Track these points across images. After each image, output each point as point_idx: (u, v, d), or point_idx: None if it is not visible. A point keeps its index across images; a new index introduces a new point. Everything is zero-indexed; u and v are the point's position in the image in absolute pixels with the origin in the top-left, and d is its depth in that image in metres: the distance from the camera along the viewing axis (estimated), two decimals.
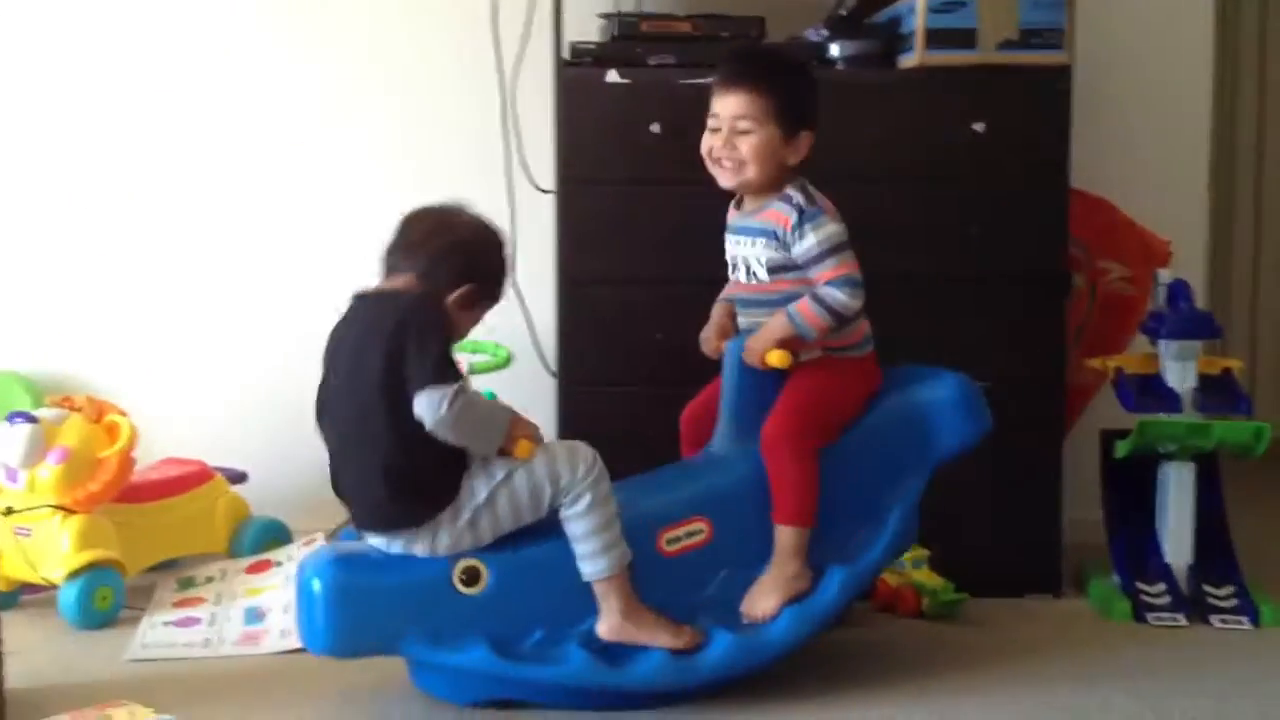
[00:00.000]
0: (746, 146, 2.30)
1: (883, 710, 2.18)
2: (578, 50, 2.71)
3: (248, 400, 3.24)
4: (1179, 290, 2.79)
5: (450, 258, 2.18)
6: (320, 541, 2.81)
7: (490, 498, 2.12)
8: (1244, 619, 2.62)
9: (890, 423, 2.37)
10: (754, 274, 2.36)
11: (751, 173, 2.31)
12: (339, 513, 2.29)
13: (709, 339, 2.46)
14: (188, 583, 2.80)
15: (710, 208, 2.47)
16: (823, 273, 2.28)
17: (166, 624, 2.60)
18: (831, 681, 2.27)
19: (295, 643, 2.48)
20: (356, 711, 2.18)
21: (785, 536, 2.24)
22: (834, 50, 2.76)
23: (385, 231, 3.14)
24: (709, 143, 2.35)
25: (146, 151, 3.23)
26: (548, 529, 2.17)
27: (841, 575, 2.25)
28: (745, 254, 2.37)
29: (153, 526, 2.79)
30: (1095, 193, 3.02)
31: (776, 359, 2.28)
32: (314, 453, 3.12)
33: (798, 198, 2.31)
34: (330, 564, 2.13)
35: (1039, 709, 2.19)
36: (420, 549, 2.13)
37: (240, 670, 2.40)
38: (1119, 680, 2.31)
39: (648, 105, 2.67)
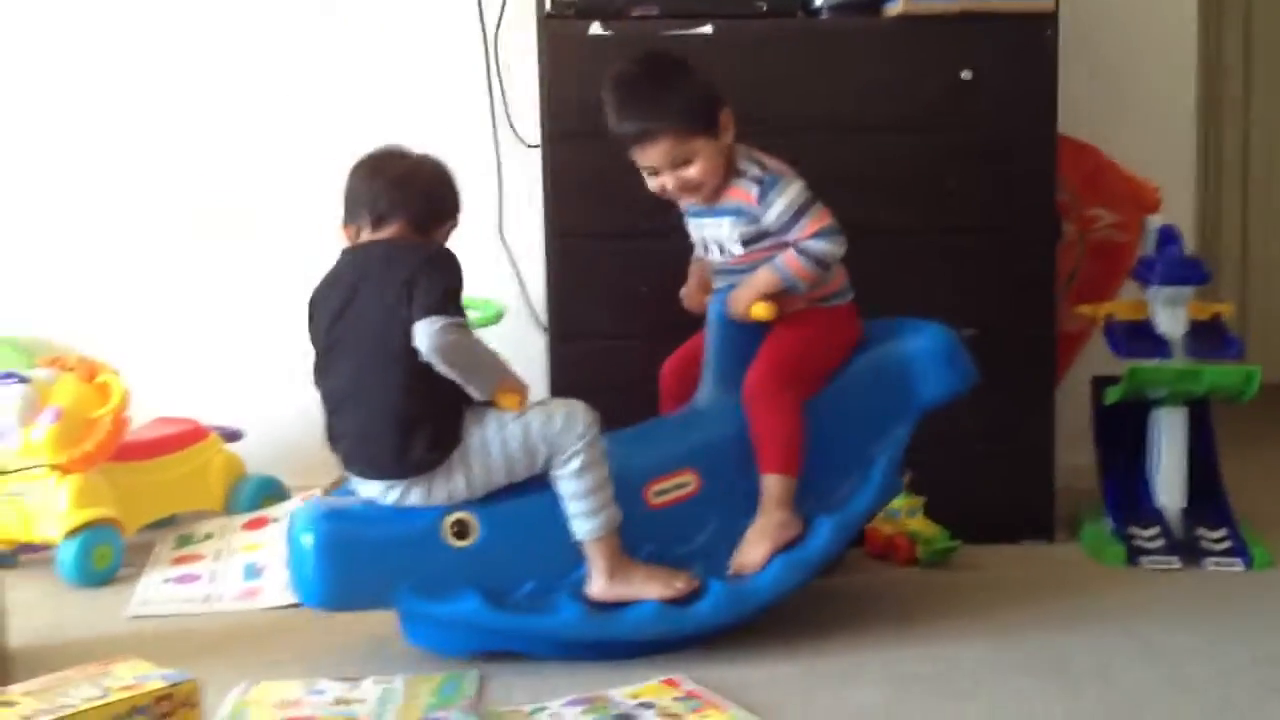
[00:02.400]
0: (694, 172, 2.29)
1: (878, 654, 2.20)
2: (560, 3, 2.70)
3: (240, 358, 3.24)
4: (1168, 236, 2.79)
5: (432, 201, 2.24)
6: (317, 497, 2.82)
7: (485, 448, 2.13)
8: (1237, 561, 2.64)
9: (873, 373, 2.38)
10: (728, 251, 2.36)
11: (712, 184, 2.32)
12: (335, 468, 2.29)
13: (691, 293, 2.47)
14: (186, 540, 2.81)
15: None
16: (802, 231, 2.28)
17: (166, 581, 2.62)
18: (825, 627, 2.29)
19: (293, 597, 2.50)
20: (355, 664, 2.19)
21: (771, 485, 2.26)
22: None
23: None
24: (658, 185, 2.33)
25: (130, 113, 3.22)
26: (538, 482, 2.18)
27: (829, 524, 2.26)
28: (714, 235, 2.38)
29: (148, 485, 2.80)
30: (1083, 139, 3.03)
31: (761, 310, 2.29)
32: (308, 410, 3.12)
33: (753, 170, 2.31)
34: (321, 517, 2.14)
35: (1033, 651, 2.20)
36: (415, 498, 2.14)
37: (240, 625, 2.41)
38: (1112, 622, 2.33)
39: (632, 57, 2.65)
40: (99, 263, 3.24)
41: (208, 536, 2.82)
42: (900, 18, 2.68)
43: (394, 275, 2.13)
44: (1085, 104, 3.00)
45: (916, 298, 2.52)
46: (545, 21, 2.71)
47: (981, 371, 2.47)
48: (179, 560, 2.72)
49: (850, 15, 2.74)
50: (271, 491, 2.96)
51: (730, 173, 2.32)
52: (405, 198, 2.21)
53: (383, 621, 2.36)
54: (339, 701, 2.01)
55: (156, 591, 2.57)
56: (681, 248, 2.57)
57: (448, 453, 2.12)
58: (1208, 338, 2.78)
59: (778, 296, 2.30)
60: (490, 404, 2.17)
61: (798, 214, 2.28)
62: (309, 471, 2.85)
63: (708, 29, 2.66)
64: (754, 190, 2.29)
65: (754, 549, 2.24)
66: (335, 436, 2.20)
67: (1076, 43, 2.92)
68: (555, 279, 2.73)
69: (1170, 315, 2.76)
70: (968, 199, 2.73)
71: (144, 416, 2.95)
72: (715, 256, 2.40)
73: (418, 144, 2.88)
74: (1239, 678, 2.08)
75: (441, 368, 2.10)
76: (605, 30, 2.66)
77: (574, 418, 2.16)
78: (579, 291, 2.71)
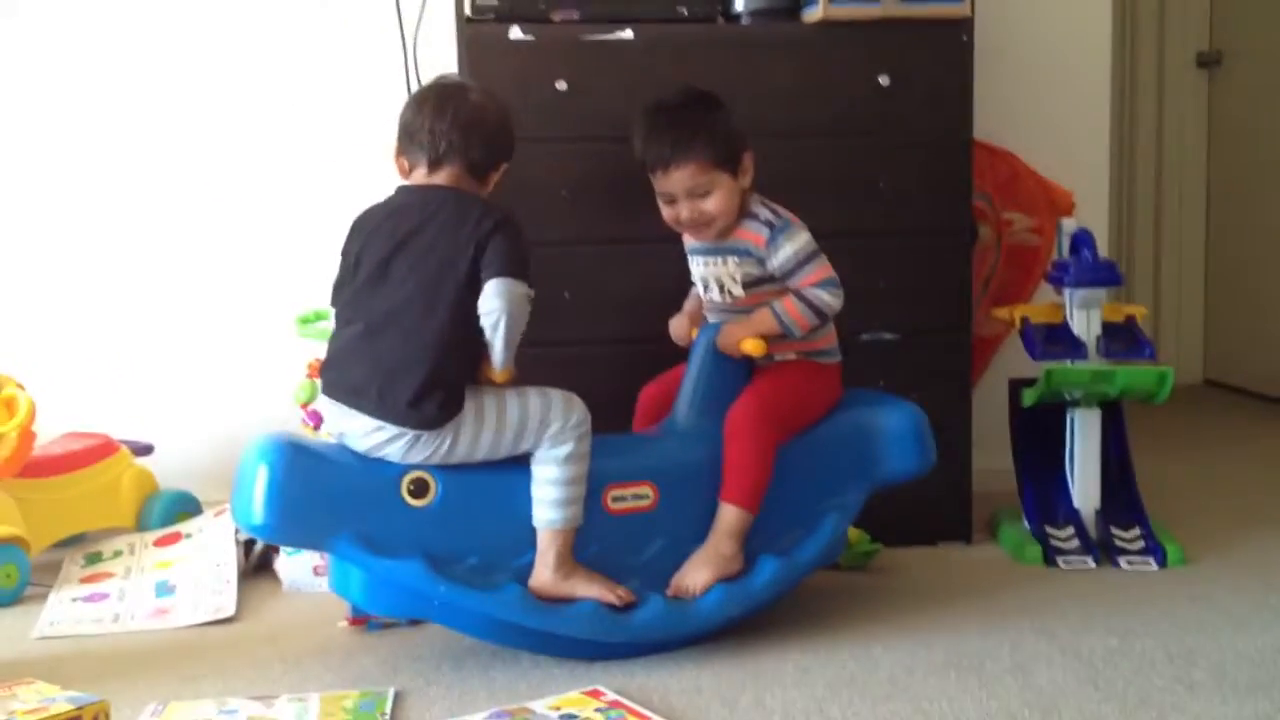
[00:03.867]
0: (711, 205, 2.33)
1: (799, 658, 2.20)
2: (479, 7, 2.67)
3: (152, 370, 3.18)
4: (1082, 240, 2.82)
5: (492, 148, 2.26)
6: (228, 514, 2.77)
7: (479, 420, 2.12)
8: (1150, 560, 2.68)
9: (842, 437, 2.42)
10: (729, 291, 2.39)
11: (724, 222, 2.36)
12: None
13: (681, 324, 2.50)
14: (95, 558, 2.75)
15: (617, 165, 2.46)
16: (805, 279, 2.33)
17: (75, 600, 2.55)
18: (746, 633, 2.29)
19: (205, 615, 2.46)
20: (269, 683, 2.15)
21: (728, 516, 2.26)
22: (739, 4, 2.75)
23: (288, 197, 3.14)
24: (672, 214, 2.37)
25: (28, 126, 3.15)
26: (505, 459, 2.16)
27: (774, 565, 2.28)
28: (717, 273, 2.40)
29: (57, 502, 2.74)
30: (998, 144, 3.06)
31: (752, 346, 2.32)
32: (221, 423, 3.11)
33: (765, 214, 2.36)
34: (280, 444, 2.09)
35: (951, 652, 2.22)
36: (395, 450, 2.11)
37: (152, 644, 2.35)
38: (1029, 622, 2.35)
39: (553, 62, 2.64)
40: (2, 274, 3.16)
41: (117, 554, 2.76)
42: (819, 23, 2.69)
43: (465, 227, 2.14)
44: (1001, 110, 3.03)
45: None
46: (465, 26, 2.68)
47: (898, 375, 2.50)
48: (88, 579, 2.65)
49: (770, 21, 2.75)
50: (184, 507, 2.90)
51: (743, 214, 2.36)
52: (468, 144, 2.22)
53: (295, 641, 2.33)
54: None
55: (65, 611, 2.50)
56: (600, 253, 2.56)
57: (452, 416, 2.11)
58: (1122, 340, 2.82)
59: (770, 338, 2.33)
60: (479, 377, 2.17)
61: (803, 262, 2.33)
62: (223, 486, 2.78)
63: (629, 34, 2.65)
64: (764, 233, 2.34)
65: (697, 573, 2.24)
66: (346, 362, 2.15)
67: (993, 50, 2.95)
68: None
69: (1084, 318, 2.79)
70: (885, 203, 2.74)
71: (52, 431, 2.89)
72: (715, 296, 2.43)
73: (337, 150, 2.87)
74: (1154, 676, 2.10)
75: (498, 326, 2.11)
76: (526, 35, 2.64)
77: (572, 407, 2.17)
78: None
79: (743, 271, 2.37)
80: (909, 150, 2.75)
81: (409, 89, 3.07)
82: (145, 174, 3.17)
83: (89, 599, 2.55)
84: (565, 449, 2.15)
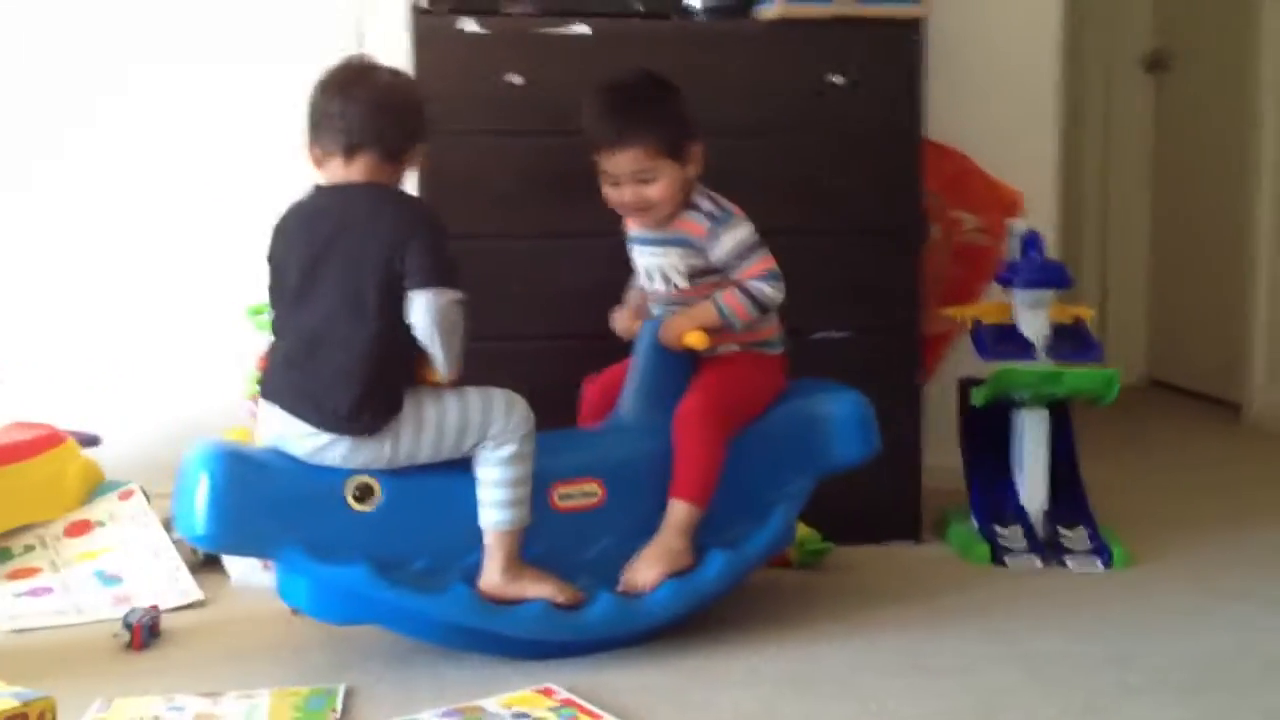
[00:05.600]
0: (654, 191, 2.32)
1: (749, 657, 2.21)
2: None
3: (98, 360, 3.13)
4: (1031, 241, 2.85)
5: (405, 127, 2.20)
6: (136, 496, 2.75)
7: (419, 422, 2.11)
8: (1096, 561, 2.71)
9: (787, 427, 2.43)
10: (673, 283, 2.39)
11: (665, 210, 2.35)
12: None
13: (623, 319, 2.49)
14: (5, 554, 2.65)
15: (571, 160, 2.45)
16: (746, 270, 2.33)
17: (18, 595, 2.51)
18: (697, 631, 2.29)
19: (174, 601, 2.45)
20: (217, 679, 2.13)
21: (678, 512, 2.27)
22: (694, 1, 2.75)
23: (232, 190, 3.10)
24: (614, 197, 2.36)
25: None
26: (449, 461, 2.15)
27: (723, 559, 2.28)
28: (659, 264, 2.40)
29: (1, 492, 2.69)
30: (948, 144, 3.07)
31: (695, 339, 2.32)
32: (169, 414, 3.08)
33: (707, 205, 2.36)
34: (221, 455, 2.07)
35: (898, 651, 2.23)
36: (335, 456, 2.09)
37: (96, 640, 2.32)
38: (976, 621, 2.38)
39: (506, 55, 2.64)
40: None
41: (29, 549, 2.67)
42: (772, 21, 2.69)
43: (381, 232, 2.10)
44: (950, 110, 3.05)
45: (784, 299, 2.53)
46: (418, 17, 2.67)
47: (849, 373, 2.51)
48: (14, 575, 2.58)
49: (723, 18, 2.76)
50: None
51: (686, 205, 2.35)
52: (380, 127, 2.17)
53: (247, 634, 2.31)
54: (200, 717, 1.95)
55: (21, 605, 2.45)
56: (554, 248, 2.56)
57: (390, 421, 2.09)
58: (1070, 341, 2.85)
59: (712, 330, 2.33)
60: (421, 379, 2.15)
61: (744, 254, 2.34)
62: (170, 478, 2.77)
63: (583, 28, 2.65)
64: (705, 224, 2.34)
65: (647, 570, 2.24)
66: (283, 374, 2.13)
67: (943, 50, 2.97)
68: None
69: (1033, 318, 2.82)
70: (836, 201, 2.76)
71: None
72: (659, 287, 2.42)
73: (287, 141, 2.83)
74: (1098, 677, 2.13)
75: (433, 338, 2.09)
76: (480, 28, 2.63)
77: (513, 406, 2.16)
78: None
79: (686, 263, 2.37)
80: (860, 148, 2.77)
81: None
82: (92, 163, 3.12)
83: (32, 594, 2.52)
84: (508, 450, 2.14)
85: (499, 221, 2.65)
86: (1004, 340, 2.83)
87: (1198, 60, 4.50)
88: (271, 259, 2.20)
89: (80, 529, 2.73)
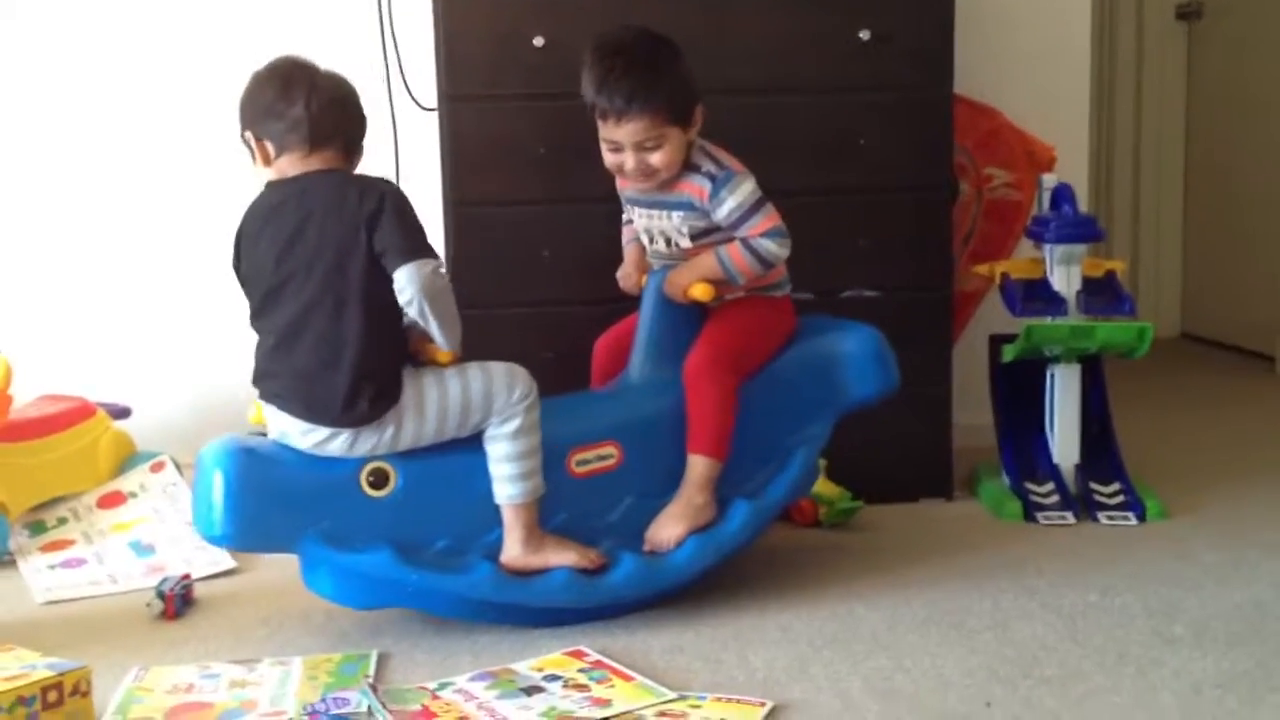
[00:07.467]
0: (657, 159, 2.27)
1: (781, 616, 2.20)
2: None
3: (129, 332, 3.15)
4: (1062, 195, 2.82)
5: (360, 120, 2.21)
6: (168, 467, 2.76)
7: (420, 404, 2.09)
8: (1130, 515, 2.69)
9: (802, 368, 2.40)
10: (676, 244, 2.36)
11: (666, 174, 2.30)
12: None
13: (629, 274, 2.47)
14: (39, 527, 2.69)
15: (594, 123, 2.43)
16: (751, 229, 2.29)
17: (53, 567, 2.53)
18: (728, 592, 2.29)
19: (204, 570, 2.46)
20: (251, 646, 2.15)
21: (698, 466, 2.25)
22: None
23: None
24: (616, 162, 2.30)
25: (5, 96, 3.11)
26: (462, 440, 2.14)
27: (746, 509, 2.27)
28: (661, 226, 2.37)
29: (34, 465, 2.71)
30: (979, 99, 3.04)
31: (700, 291, 2.30)
32: (199, 385, 3.09)
33: (707, 165, 2.31)
34: (234, 453, 2.07)
35: (932, 608, 2.22)
36: (337, 446, 2.08)
37: (135, 607, 2.33)
38: (1010, 577, 2.36)
39: (530, 16, 2.61)
40: None
41: (62, 521, 2.70)
42: None
43: (345, 213, 2.07)
44: (982, 65, 3.01)
45: (813, 259, 2.52)
46: None
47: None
48: (49, 548, 2.61)
49: None
50: None
51: (686, 166, 2.31)
52: (339, 120, 2.16)
53: (279, 602, 2.32)
54: (234, 685, 1.96)
55: (57, 578, 2.47)
56: (581, 212, 2.54)
57: (390, 407, 2.08)
58: (1101, 295, 2.82)
59: (716, 283, 2.31)
60: (422, 359, 2.14)
61: (748, 212, 2.29)
62: (199, 447, 2.79)
63: None
64: (707, 186, 2.29)
65: (670, 527, 2.23)
66: (269, 373, 2.12)
67: (974, 4, 2.92)
68: (453, 246, 2.68)
69: (1064, 273, 2.79)
70: (866, 159, 2.73)
71: (28, 394, 2.87)
72: (661, 248, 2.39)
73: None
74: (1136, 629, 2.11)
75: (424, 311, 2.06)
76: None
77: (515, 380, 2.14)
78: (479, 262, 2.66)
79: (689, 225, 2.33)
80: (890, 106, 2.73)
81: (384, 47, 3.03)
82: (121, 138, 3.13)
83: (66, 565, 2.54)
84: (514, 424, 2.13)
85: (525, 185, 2.63)
86: (1035, 296, 2.80)
87: (1231, 9, 4.43)
88: (238, 268, 2.17)
89: (113, 500, 2.75)
